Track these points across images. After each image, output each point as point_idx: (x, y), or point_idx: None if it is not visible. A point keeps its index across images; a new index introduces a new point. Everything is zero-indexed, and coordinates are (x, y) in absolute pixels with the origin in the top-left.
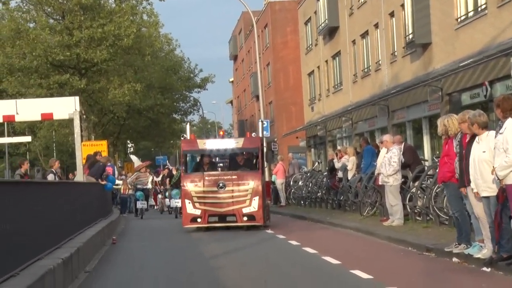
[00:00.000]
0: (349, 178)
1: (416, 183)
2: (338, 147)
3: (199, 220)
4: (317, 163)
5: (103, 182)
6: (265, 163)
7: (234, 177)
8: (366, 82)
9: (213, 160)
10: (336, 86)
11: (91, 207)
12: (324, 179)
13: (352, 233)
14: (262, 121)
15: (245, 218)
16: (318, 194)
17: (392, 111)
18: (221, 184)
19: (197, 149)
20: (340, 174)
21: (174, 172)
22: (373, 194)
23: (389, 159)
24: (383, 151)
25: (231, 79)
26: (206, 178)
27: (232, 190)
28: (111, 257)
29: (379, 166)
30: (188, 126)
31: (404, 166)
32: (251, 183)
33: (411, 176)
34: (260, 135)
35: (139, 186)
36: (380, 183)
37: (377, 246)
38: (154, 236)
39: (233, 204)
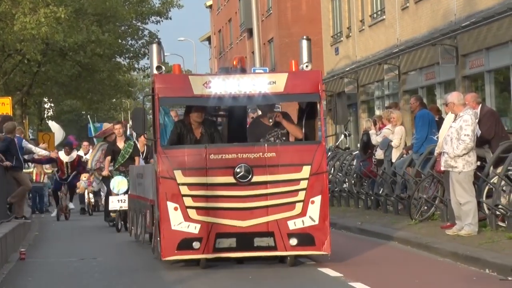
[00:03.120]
0: (393, 160)
1: (499, 169)
2: (377, 112)
3: (196, 245)
4: (343, 136)
5: (5, 164)
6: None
7: (270, 154)
8: (422, 8)
9: (217, 118)
10: (375, 15)
11: None
12: (354, 162)
13: (398, 247)
14: (307, 39)
15: (293, 242)
16: (344, 186)
17: (463, 55)
18: (243, 171)
19: (192, 95)
20: (379, 153)
21: (122, 144)
22: (431, 185)
23: (457, 131)
24: (448, 118)
25: (209, 3)
26: (212, 157)
27: (267, 182)
28: (18, 281)
29: (442, 141)
30: (155, 47)
31: (481, 142)
32: (306, 168)
33: (491, 158)
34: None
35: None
36: (442, 169)
37: (436, 266)
38: (87, 247)
39: (269, 211)
